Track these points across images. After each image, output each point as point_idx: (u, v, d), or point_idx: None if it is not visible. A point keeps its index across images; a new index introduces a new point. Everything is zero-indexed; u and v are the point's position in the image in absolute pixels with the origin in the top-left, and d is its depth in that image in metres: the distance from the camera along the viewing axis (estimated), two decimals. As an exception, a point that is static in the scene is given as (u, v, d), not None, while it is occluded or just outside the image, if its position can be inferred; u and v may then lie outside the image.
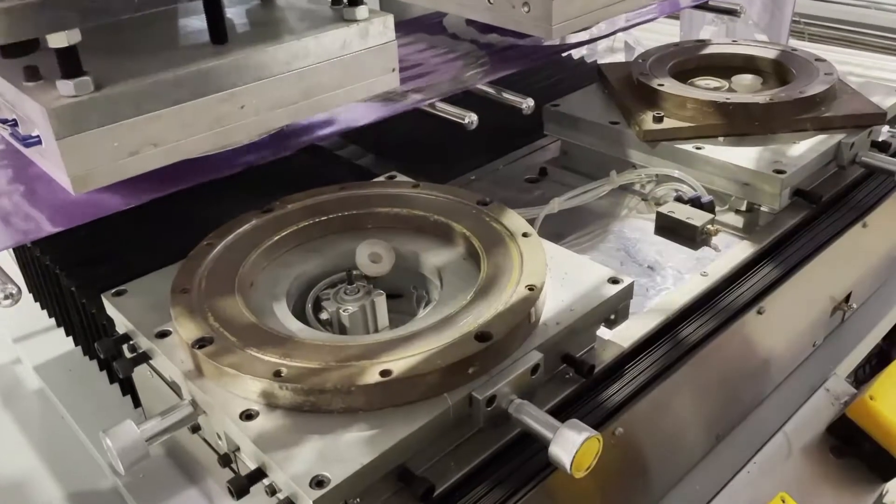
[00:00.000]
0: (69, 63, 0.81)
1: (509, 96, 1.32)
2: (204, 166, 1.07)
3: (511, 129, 1.46)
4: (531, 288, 0.84)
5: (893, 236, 1.36)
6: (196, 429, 0.85)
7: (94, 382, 1.17)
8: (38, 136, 0.85)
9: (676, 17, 2.74)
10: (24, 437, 1.15)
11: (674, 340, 0.95)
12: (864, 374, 1.45)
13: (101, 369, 1.17)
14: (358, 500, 0.70)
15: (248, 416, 0.74)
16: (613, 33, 1.84)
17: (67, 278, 1.10)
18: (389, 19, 1.05)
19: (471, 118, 1.20)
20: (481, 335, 0.78)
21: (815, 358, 1.25)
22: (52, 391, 1.18)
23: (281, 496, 0.69)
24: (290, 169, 1.22)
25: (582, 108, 1.37)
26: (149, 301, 0.91)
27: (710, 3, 1.68)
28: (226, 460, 0.81)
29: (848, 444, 1.12)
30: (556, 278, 0.90)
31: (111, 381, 1.15)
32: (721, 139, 1.22)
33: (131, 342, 0.90)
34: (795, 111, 1.21)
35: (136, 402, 1.10)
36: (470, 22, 1.58)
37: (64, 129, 0.81)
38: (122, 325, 0.91)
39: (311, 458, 0.69)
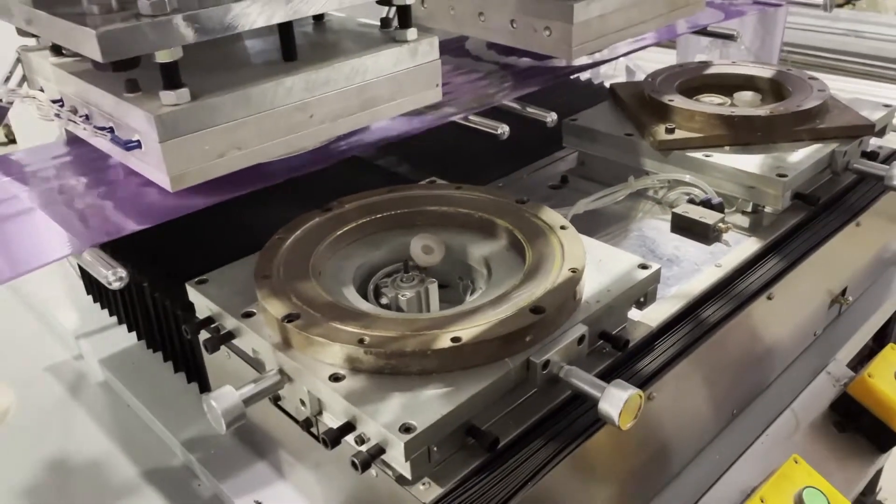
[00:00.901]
0: (171, 76, 0.93)
1: (533, 111, 1.45)
2: (260, 174, 1.18)
3: (529, 142, 1.58)
4: (574, 270, 0.96)
5: (884, 236, 1.50)
6: (277, 399, 0.96)
7: (158, 373, 1.27)
8: (137, 141, 0.96)
9: (671, 46, 2.91)
10: (94, 424, 1.24)
11: (696, 321, 1.07)
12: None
13: (166, 360, 1.27)
14: (435, 448, 0.81)
15: (335, 378, 0.84)
16: (616, 58, 1.98)
17: (139, 274, 1.21)
18: (435, 40, 1.18)
19: (503, 129, 1.33)
20: (535, 309, 0.89)
21: (816, 346, 1.37)
22: (119, 381, 1.28)
23: (369, 445, 0.80)
24: (336, 176, 1.33)
25: (598, 122, 1.51)
26: (228, 288, 1.02)
27: (708, 28, 1.83)
28: (307, 424, 0.92)
29: (849, 419, 1.24)
30: (593, 264, 1.01)
31: (176, 371, 1.25)
32: (727, 148, 1.35)
33: (213, 325, 1.01)
34: (794, 123, 1.35)
35: (202, 389, 1.20)
36: (491, 45, 1.72)
37: (166, 134, 0.92)
38: (205, 309, 1.02)
39: (396, 410, 0.80)
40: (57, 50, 1.14)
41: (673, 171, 1.36)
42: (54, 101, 1.13)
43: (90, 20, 0.89)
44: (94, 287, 1.43)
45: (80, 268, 1.45)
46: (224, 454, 1.11)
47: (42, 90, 1.18)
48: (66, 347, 1.42)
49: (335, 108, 1.08)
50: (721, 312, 1.09)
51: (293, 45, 1.07)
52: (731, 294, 1.13)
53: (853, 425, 1.24)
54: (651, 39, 1.72)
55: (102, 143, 1.05)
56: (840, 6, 4.72)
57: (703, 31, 1.83)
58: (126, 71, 0.97)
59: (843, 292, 1.40)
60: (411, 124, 1.29)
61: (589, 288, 0.98)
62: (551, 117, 1.43)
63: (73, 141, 1.32)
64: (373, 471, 0.83)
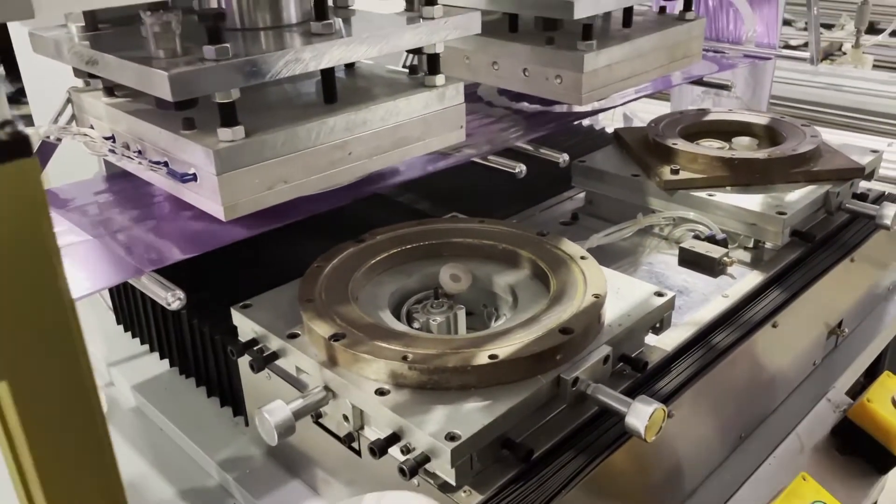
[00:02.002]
0: (229, 115, 1.01)
1: (546, 152, 1.55)
2: (293, 209, 1.24)
3: (538, 182, 1.67)
4: (597, 296, 1.03)
5: (876, 271, 1.59)
6: (319, 416, 1.01)
7: (190, 397, 1.32)
8: (193, 174, 1.04)
9: (662, 99, 3.06)
10: (128, 448, 1.28)
11: (708, 346, 1.15)
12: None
13: (199, 385, 1.32)
14: (476, 457, 0.87)
15: (381, 392, 0.91)
16: (615, 107, 2.10)
17: (178, 302, 1.27)
18: (460, 86, 1.28)
19: (521, 168, 1.42)
20: (564, 330, 0.96)
21: (816, 375, 1.44)
22: (152, 406, 1.32)
23: (416, 454, 0.86)
24: (360, 212, 1.40)
25: (605, 164, 1.60)
26: (271, 312, 1.09)
27: (704, 79, 1.96)
28: (349, 439, 0.97)
29: (850, 443, 1.30)
30: (612, 292, 1.09)
31: (209, 395, 1.30)
32: (728, 188, 1.45)
33: (257, 346, 1.07)
34: (790, 166, 1.45)
35: (236, 412, 1.25)
36: (502, 91, 1.82)
37: (223, 167, 1.00)
38: (249, 332, 1.08)
39: (440, 421, 0.86)
40: (110, 91, 1.22)
41: (678, 209, 1.46)
42: (106, 138, 1.20)
43: (156, 63, 0.98)
44: (126, 316, 1.48)
45: (112, 298, 1.52)
46: (259, 474, 1.16)
47: (92, 127, 1.26)
48: (97, 375, 1.46)
49: (371, 147, 1.17)
50: (731, 338, 1.17)
51: (334, 89, 1.16)
52: (739, 322, 1.21)
53: (854, 448, 1.30)
54: (651, 88, 1.84)
55: (155, 176, 1.13)
56: (820, 61, 4.93)
57: (699, 82, 1.95)
58: (183, 110, 1.06)
59: (840, 324, 1.48)
60: (430, 163, 1.38)
61: (610, 313, 1.05)
62: (563, 158, 1.53)
63: (112, 176, 1.40)
64: (414, 480, 0.89)
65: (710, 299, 1.27)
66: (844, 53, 5.39)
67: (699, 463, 1.18)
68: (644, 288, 1.11)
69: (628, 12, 1.63)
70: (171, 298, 1.00)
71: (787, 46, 5.08)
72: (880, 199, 1.57)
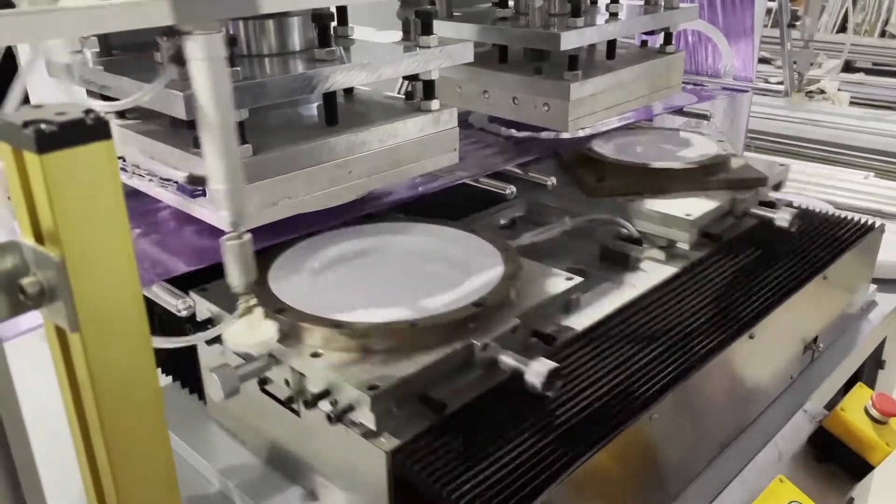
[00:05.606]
0: (237, 134, 1.08)
1: (534, 174, 1.61)
2: (294, 224, 1.27)
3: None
4: (510, 277, 1.14)
5: (847, 289, 1.60)
6: (264, 382, 1.09)
7: (185, 406, 1.35)
8: (202, 189, 1.15)
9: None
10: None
11: (689, 352, 1.17)
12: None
13: (183, 387, 1.39)
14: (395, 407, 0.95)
15: (315, 355, 1.00)
16: (599, 134, 2.14)
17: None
18: (454, 111, 1.36)
19: (511, 189, 1.49)
20: (477, 303, 1.06)
21: (793, 388, 1.45)
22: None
23: (342, 405, 0.94)
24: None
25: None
26: (225, 295, 1.09)
27: (684, 109, 2.01)
28: (289, 401, 1.06)
29: (825, 452, 1.30)
30: (527, 276, 1.18)
31: (199, 398, 1.36)
32: (647, 195, 1.53)
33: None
34: (702, 175, 1.56)
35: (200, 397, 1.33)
36: (492, 119, 1.90)
37: (232, 183, 1.09)
38: (206, 312, 1.15)
39: (364, 376, 0.95)
40: (121, 113, 1.36)
41: (600, 213, 1.53)
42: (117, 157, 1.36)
43: (171, 85, 1.04)
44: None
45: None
46: (259, 481, 1.18)
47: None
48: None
49: (370, 166, 1.25)
50: (709, 346, 1.19)
51: (335, 111, 1.25)
52: (719, 330, 1.23)
53: (830, 456, 1.29)
54: (634, 117, 1.90)
55: (163, 192, 1.22)
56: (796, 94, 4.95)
57: (679, 112, 2.01)
58: (194, 129, 1.15)
59: (815, 340, 1.48)
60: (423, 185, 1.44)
61: (523, 293, 1.14)
62: (551, 181, 1.58)
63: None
64: (342, 428, 0.97)
65: (623, 290, 1.38)
66: (822, 91, 5.39)
67: (681, 468, 1.20)
68: (555, 273, 1.21)
69: (612, 45, 1.74)
70: (182, 306, 1.08)
71: (768, 83, 5.20)
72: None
